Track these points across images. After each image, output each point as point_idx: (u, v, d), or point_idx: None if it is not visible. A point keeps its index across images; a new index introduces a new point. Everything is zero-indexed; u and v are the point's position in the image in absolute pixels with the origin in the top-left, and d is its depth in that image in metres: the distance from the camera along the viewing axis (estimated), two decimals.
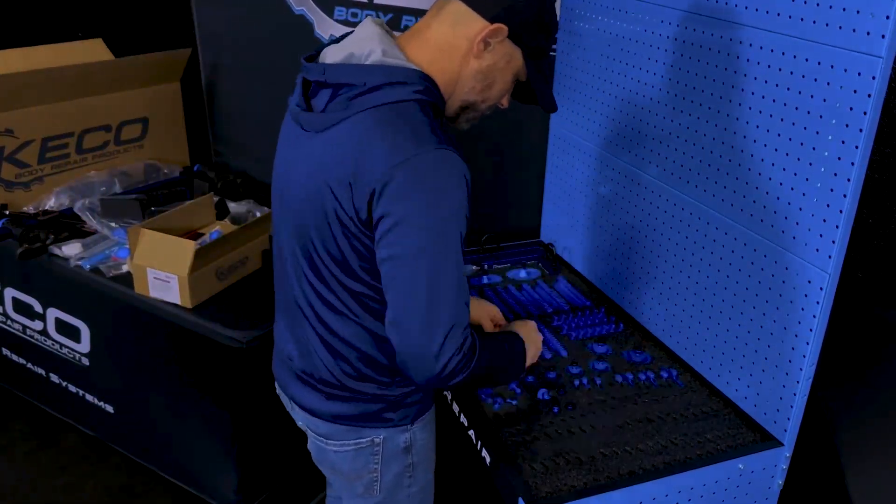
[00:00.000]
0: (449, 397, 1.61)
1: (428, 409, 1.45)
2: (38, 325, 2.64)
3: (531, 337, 1.44)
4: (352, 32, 1.28)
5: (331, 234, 1.22)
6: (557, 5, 2.55)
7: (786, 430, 1.44)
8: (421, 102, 1.19)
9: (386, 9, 2.78)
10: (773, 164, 1.39)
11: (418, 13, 2.74)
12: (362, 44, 1.22)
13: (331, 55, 1.25)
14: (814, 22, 1.26)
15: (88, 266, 2.28)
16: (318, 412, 1.39)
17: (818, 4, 1.25)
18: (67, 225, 2.48)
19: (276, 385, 1.52)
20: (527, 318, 1.87)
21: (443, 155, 1.14)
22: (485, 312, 1.65)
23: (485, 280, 2.07)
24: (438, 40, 1.23)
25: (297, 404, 1.43)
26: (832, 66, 1.24)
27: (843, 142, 1.23)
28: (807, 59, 1.29)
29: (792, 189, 1.35)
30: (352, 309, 1.29)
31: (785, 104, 1.35)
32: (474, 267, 2.16)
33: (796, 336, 1.39)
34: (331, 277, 1.27)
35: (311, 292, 1.32)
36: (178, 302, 2.10)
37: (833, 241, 1.28)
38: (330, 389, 1.36)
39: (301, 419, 1.47)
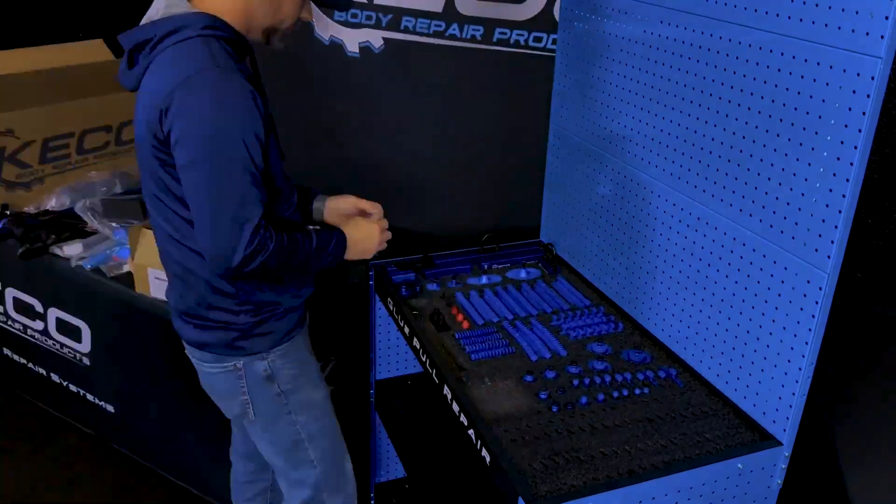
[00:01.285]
0: (449, 397, 1.61)
1: (285, 341, 1.63)
2: (38, 324, 2.65)
3: (361, 232, 1.67)
4: None
5: (155, 169, 1.42)
6: (557, 5, 2.55)
7: (785, 430, 1.44)
8: (204, 38, 1.37)
9: (386, 9, 2.78)
10: (772, 165, 1.39)
11: (418, 13, 2.74)
12: (155, 5, 1.44)
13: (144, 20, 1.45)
14: (813, 22, 1.26)
15: (89, 266, 2.29)
16: (190, 341, 1.63)
17: (818, 5, 1.25)
18: (68, 225, 2.49)
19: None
20: (527, 316, 1.88)
21: (218, 73, 1.32)
22: (337, 207, 1.81)
23: (484, 280, 2.07)
24: None
25: (181, 337, 1.65)
26: (831, 67, 1.24)
27: (842, 142, 1.24)
28: (806, 60, 1.29)
29: (791, 189, 1.35)
30: (184, 234, 1.48)
31: (784, 104, 1.35)
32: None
33: (795, 336, 1.39)
34: (165, 209, 1.47)
35: (159, 229, 1.53)
36: None
37: (832, 242, 1.28)
38: (194, 320, 1.58)
39: (186, 349, 1.68)
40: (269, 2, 1.45)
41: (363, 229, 1.69)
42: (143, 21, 1.45)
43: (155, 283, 2.11)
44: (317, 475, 1.79)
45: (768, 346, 1.46)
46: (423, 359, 1.74)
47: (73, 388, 2.70)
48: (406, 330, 1.86)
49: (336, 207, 1.82)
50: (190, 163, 1.35)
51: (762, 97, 1.40)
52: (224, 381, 1.65)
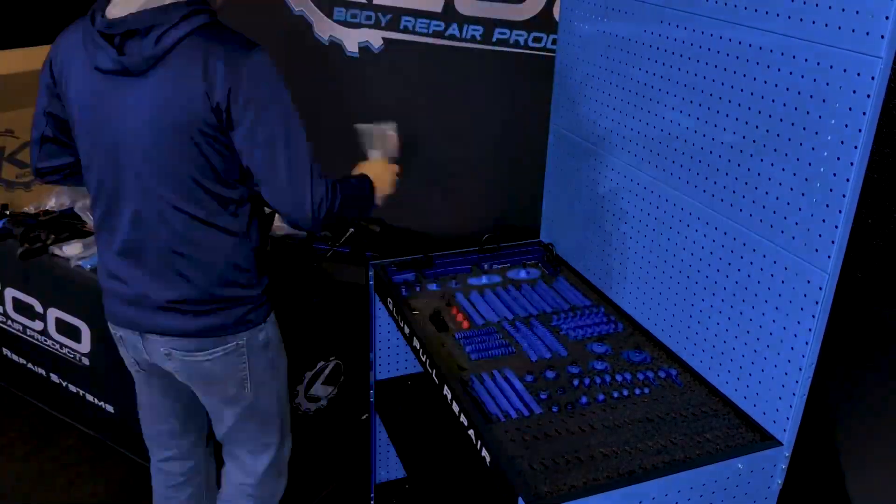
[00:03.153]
0: (449, 397, 1.61)
1: (272, 310, 1.77)
2: (38, 324, 2.65)
3: (378, 172, 1.78)
4: None
5: (197, 149, 1.49)
6: (557, 5, 2.55)
7: (785, 430, 1.44)
8: (219, 23, 1.52)
9: (385, 9, 2.78)
10: (772, 164, 1.39)
11: (418, 13, 2.74)
12: None
13: (121, 6, 1.48)
14: (813, 22, 1.26)
15: (89, 266, 2.29)
16: (187, 331, 1.64)
17: (818, 4, 1.25)
18: (68, 225, 2.49)
19: (116, 329, 1.77)
20: (527, 316, 1.88)
21: (264, 52, 1.49)
22: (376, 170, 1.83)
23: (484, 280, 2.07)
24: None
25: (163, 333, 1.65)
26: (831, 67, 1.24)
27: (842, 142, 1.24)
28: (806, 60, 1.29)
29: (791, 189, 1.35)
30: (215, 214, 1.57)
31: (784, 104, 1.35)
32: None
33: (795, 336, 1.39)
34: (198, 189, 1.53)
35: (176, 217, 1.55)
36: None
37: (832, 241, 1.28)
38: (198, 307, 1.62)
39: (163, 346, 1.67)
40: None
41: (375, 167, 1.81)
42: (125, 11, 1.48)
43: None
44: (281, 434, 1.91)
45: (768, 347, 1.46)
46: (423, 359, 1.74)
47: (72, 388, 2.70)
48: (406, 330, 1.86)
49: None
50: (273, 133, 1.47)
51: (762, 97, 1.40)
52: (223, 363, 1.69)
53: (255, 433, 1.86)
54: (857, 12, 1.18)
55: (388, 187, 1.79)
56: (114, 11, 1.50)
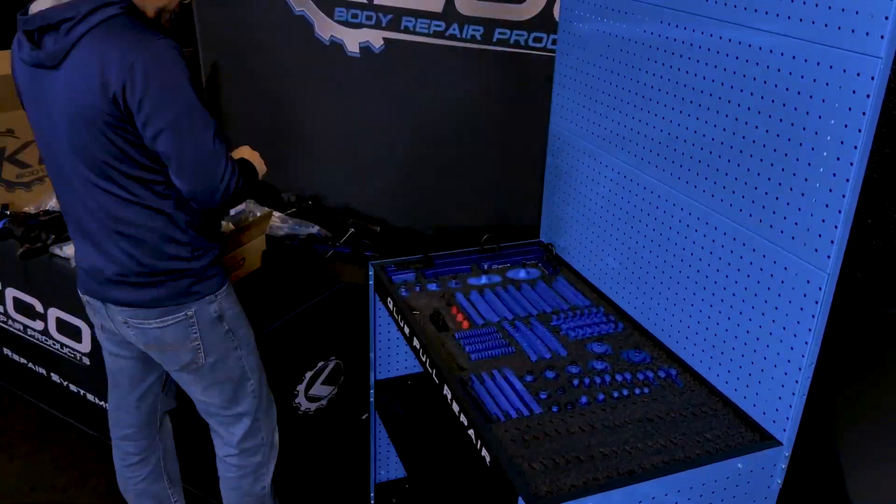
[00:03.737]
0: (449, 397, 1.61)
1: (226, 282, 1.86)
2: (38, 324, 2.65)
3: (248, 154, 1.85)
4: None
5: (106, 139, 1.56)
6: (557, 5, 2.55)
7: (785, 430, 1.44)
8: (127, 15, 1.55)
9: (386, 9, 2.78)
10: (771, 165, 1.40)
11: (418, 13, 2.74)
12: None
13: (40, 2, 1.58)
14: (813, 22, 1.27)
15: None
16: (136, 302, 1.74)
17: (817, 5, 1.25)
18: None
19: (87, 300, 1.86)
20: (527, 316, 1.88)
21: (164, 42, 1.53)
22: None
23: (484, 280, 2.07)
24: None
25: (116, 303, 1.76)
26: (831, 67, 1.24)
27: (841, 142, 1.24)
28: (806, 60, 1.29)
29: (791, 189, 1.36)
30: (140, 195, 1.65)
31: (784, 104, 1.35)
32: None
33: (795, 336, 1.39)
34: (118, 174, 1.62)
35: (104, 198, 1.65)
36: None
37: (832, 241, 1.28)
38: (142, 279, 1.72)
39: (120, 314, 1.79)
40: None
41: (245, 151, 1.88)
42: (41, 7, 1.56)
43: None
44: (255, 404, 2.01)
45: (768, 346, 1.46)
46: (423, 359, 1.74)
47: (73, 388, 2.70)
48: (406, 330, 1.86)
49: None
50: (174, 120, 1.53)
51: (762, 97, 1.40)
52: (173, 332, 1.78)
53: (224, 403, 1.96)
54: (857, 12, 1.18)
55: (263, 166, 1.88)
56: (33, 8, 1.60)
